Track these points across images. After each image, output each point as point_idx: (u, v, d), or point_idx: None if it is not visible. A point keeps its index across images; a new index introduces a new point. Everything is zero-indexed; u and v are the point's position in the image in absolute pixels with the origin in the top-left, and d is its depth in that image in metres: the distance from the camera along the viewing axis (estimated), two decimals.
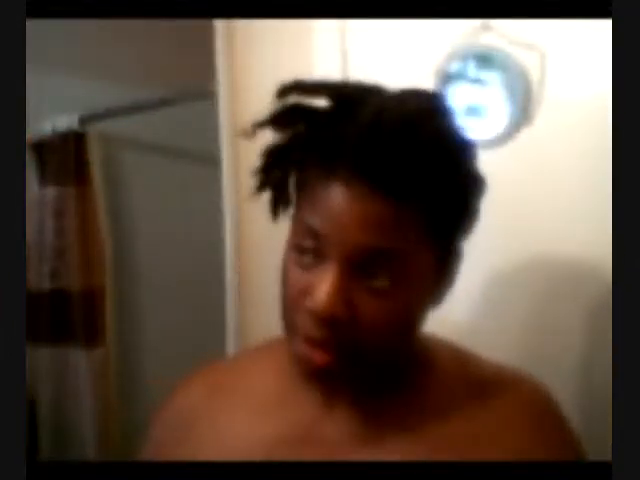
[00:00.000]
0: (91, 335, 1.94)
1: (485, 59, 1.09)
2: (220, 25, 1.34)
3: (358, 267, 0.64)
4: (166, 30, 1.88)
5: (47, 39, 1.78)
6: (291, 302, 0.67)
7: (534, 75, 1.06)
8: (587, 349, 0.94)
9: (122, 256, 1.97)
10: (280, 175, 0.69)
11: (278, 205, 0.70)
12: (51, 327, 1.92)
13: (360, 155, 0.62)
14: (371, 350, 0.66)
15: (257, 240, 1.33)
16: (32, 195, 1.90)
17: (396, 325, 0.66)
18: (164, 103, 1.88)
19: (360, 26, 1.17)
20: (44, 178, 1.94)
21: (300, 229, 0.67)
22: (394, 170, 0.61)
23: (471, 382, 0.73)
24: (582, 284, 0.96)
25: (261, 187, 0.69)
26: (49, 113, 1.93)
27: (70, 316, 1.93)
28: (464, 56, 1.11)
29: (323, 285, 0.63)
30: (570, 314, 0.95)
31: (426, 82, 1.10)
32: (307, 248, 0.66)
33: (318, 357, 0.65)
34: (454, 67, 1.13)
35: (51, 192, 1.93)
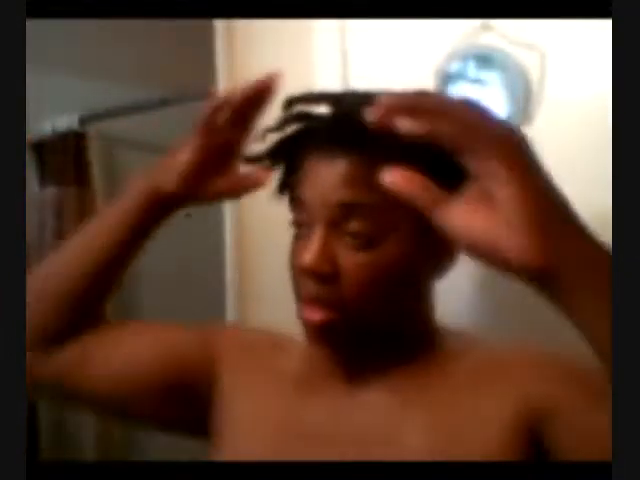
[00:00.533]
0: None
1: (485, 59, 1.09)
2: (220, 25, 1.34)
3: (339, 226, 0.69)
4: (166, 30, 1.88)
5: (47, 39, 1.78)
6: (294, 271, 0.73)
7: (534, 75, 1.06)
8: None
9: None
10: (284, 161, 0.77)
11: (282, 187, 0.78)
12: None
13: (329, 127, 0.71)
14: (365, 307, 0.70)
15: (257, 239, 1.33)
16: (32, 195, 1.90)
17: (383, 281, 0.70)
18: (164, 103, 1.88)
19: (360, 26, 1.17)
20: (44, 178, 1.94)
21: (294, 206, 0.74)
22: (352, 130, 0.67)
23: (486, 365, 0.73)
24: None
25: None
26: (49, 113, 1.93)
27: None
28: (464, 56, 1.11)
29: (310, 245, 0.69)
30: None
31: (426, 82, 1.10)
32: (301, 221, 0.72)
33: (316, 315, 0.70)
34: (454, 67, 1.13)
35: (51, 192, 1.93)
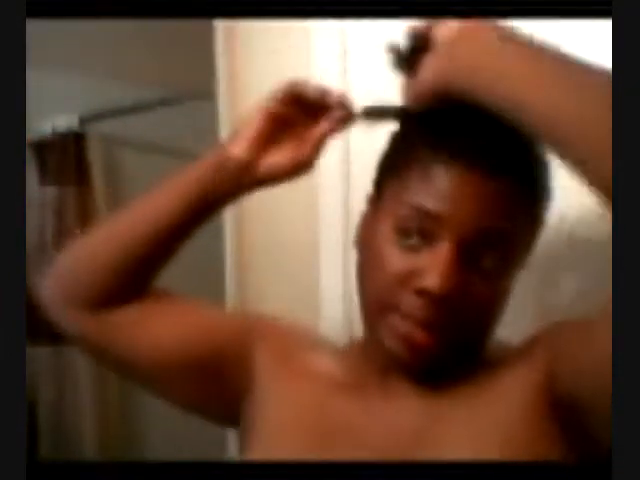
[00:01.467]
0: None
1: None
2: (220, 25, 1.34)
3: (470, 248, 0.65)
4: (166, 30, 1.88)
5: (47, 39, 1.78)
6: (390, 283, 0.67)
7: None
8: None
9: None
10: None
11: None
12: (51, 327, 1.91)
13: (473, 140, 0.66)
14: (470, 331, 0.68)
15: (258, 239, 1.33)
16: (32, 195, 1.90)
17: (496, 305, 0.68)
18: (164, 103, 1.89)
19: (360, 26, 1.17)
20: (44, 178, 1.94)
21: (405, 211, 0.67)
22: (504, 151, 0.66)
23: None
24: (581, 283, 0.96)
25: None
26: (49, 113, 1.94)
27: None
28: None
29: (437, 266, 0.64)
30: (567, 311, 0.95)
31: None
32: (412, 229, 0.67)
33: (422, 337, 0.66)
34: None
35: (51, 192, 1.93)
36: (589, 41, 0.97)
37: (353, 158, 1.13)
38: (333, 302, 1.18)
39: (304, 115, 0.75)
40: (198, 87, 1.67)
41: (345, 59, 1.20)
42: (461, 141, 0.66)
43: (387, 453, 0.69)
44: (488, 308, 0.68)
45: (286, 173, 0.76)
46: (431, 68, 0.67)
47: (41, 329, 1.95)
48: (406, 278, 0.66)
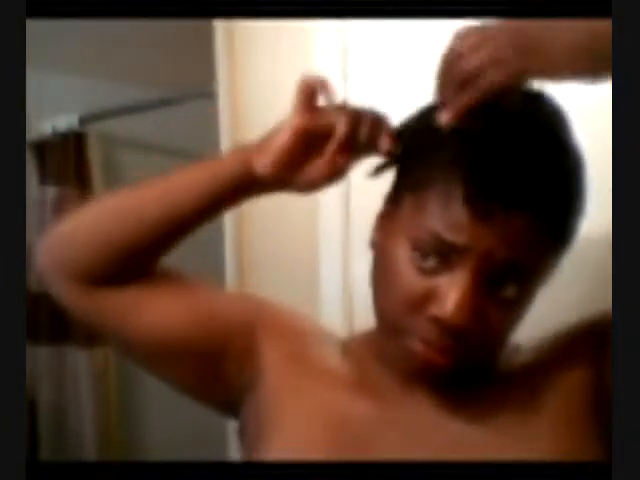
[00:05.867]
0: (91, 335, 1.94)
1: None
2: (220, 25, 1.34)
3: (488, 279, 0.64)
4: (166, 30, 1.88)
5: (47, 39, 1.78)
6: (407, 304, 0.66)
7: None
8: None
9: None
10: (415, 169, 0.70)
11: (384, 170, 0.72)
12: (51, 327, 1.91)
13: (498, 174, 0.63)
14: (486, 355, 0.68)
15: (257, 240, 1.33)
16: (32, 195, 1.90)
17: (511, 329, 0.68)
18: (164, 103, 1.88)
19: (360, 26, 1.17)
20: (44, 178, 1.94)
21: (423, 234, 0.66)
22: (534, 193, 0.63)
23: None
24: (580, 285, 0.96)
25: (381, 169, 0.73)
26: (49, 113, 1.93)
27: (70, 316, 1.93)
28: None
29: (454, 294, 0.63)
30: (568, 311, 0.95)
31: (426, 82, 1.10)
32: (430, 251, 0.65)
33: (437, 359, 0.66)
34: None
35: (51, 192, 1.93)
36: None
37: None
38: (333, 301, 1.18)
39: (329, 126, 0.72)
40: (198, 87, 1.67)
41: (345, 59, 1.20)
42: (485, 173, 0.64)
43: (403, 453, 0.69)
44: (504, 333, 0.68)
45: (318, 186, 0.74)
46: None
47: (41, 329, 1.96)
48: (422, 302, 0.65)
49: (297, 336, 0.81)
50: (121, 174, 2.05)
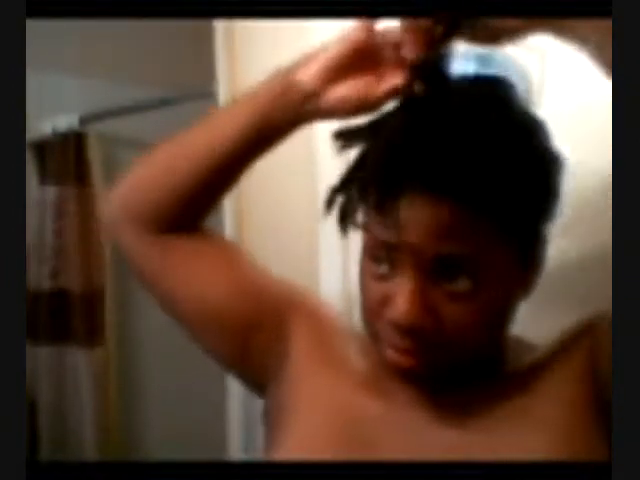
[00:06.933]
0: (91, 335, 1.95)
1: (485, 59, 1.09)
2: (220, 25, 1.34)
3: (436, 273, 0.63)
4: (166, 30, 1.88)
5: (47, 39, 1.78)
6: (371, 312, 0.68)
7: (534, 75, 1.06)
8: None
9: (122, 256, 1.97)
10: (346, 199, 0.68)
11: (346, 224, 0.69)
12: (51, 327, 1.92)
13: (425, 165, 0.62)
14: (459, 350, 0.66)
15: (257, 240, 1.33)
16: (32, 195, 1.90)
17: (483, 324, 0.66)
18: (164, 103, 1.89)
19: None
20: (44, 178, 1.94)
21: (371, 241, 0.67)
22: (460, 177, 0.61)
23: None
24: (580, 285, 0.96)
25: (329, 206, 0.70)
26: (49, 113, 1.94)
27: (70, 316, 1.93)
28: (464, 56, 1.11)
29: (401, 296, 0.63)
30: (568, 310, 0.95)
31: None
32: (382, 258, 0.66)
33: (405, 361, 0.66)
34: (454, 67, 1.12)
35: (51, 192, 1.93)
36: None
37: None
38: (333, 301, 1.18)
39: (384, 58, 0.70)
40: (198, 87, 1.67)
41: None
42: (410, 167, 0.62)
43: (417, 455, 0.68)
44: (472, 328, 0.65)
45: (350, 110, 0.71)
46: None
47: (41, 329, 1.96)
48: (381, 308, 0.66)
49: (325, 330, 0.80)
50: (121, 174, 2.05)
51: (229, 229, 1.35)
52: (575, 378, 0.69)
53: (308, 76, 0.71)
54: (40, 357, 1.90)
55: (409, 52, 0.68)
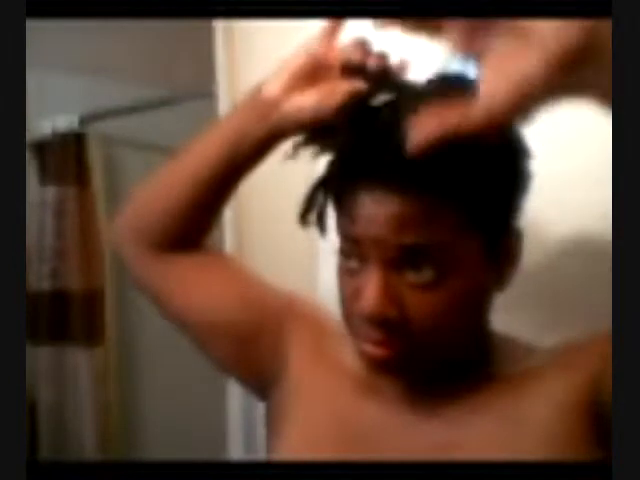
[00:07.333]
0: (91, 335, 1.95)
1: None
2: (220, 25, 1.34)
3: (400, 264, 0.64)
4: (166, 30, 1.88)
5: (47, 39, 1.78)
6: (345, 308, 0.69)
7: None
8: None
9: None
10: (320, 203, 0.70)
11: (322, 226, 0.71)
12: (51, 327, 1.92)
13: (382, 157, 0.63)
14: (433, 342, 0.66)
15: (257, 240, 1.33)
16: (32, 195, 1.90)
17: (451, 315, 0.66)
18: (164, 103, 1.89)
19: (360, 26, 1.17)
20: (44, 178, 1.94)
21: (342, 237, 0.68)
22: (417, 167, 0.60)
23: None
24: (581, 285, 0.96)
25: (305, 214, 0.71)
26: (49, 113, 1.94)
27: (70, 316, 1.93)
28: (464, 56, 1.11)
29: (368, 288, 0.65)
30: (569, 311, 0.96)
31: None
32: (351, 254, 0.67)
33: (379, 352, 0.66)
34: (454, 67, 1.12)
35: (51, 192, 1.93)
36: None
37: None
38: (332, 301, 1.18)
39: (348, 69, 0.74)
40: (198, 87, 1.67)
41: None
42: (365, 162, 0.64)
43: (413, 455, 0.69)
44: (440, 318, 0.66)
45: (307, 115, 0.74)
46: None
47: (41, 329, 1.96)
48: (352, 302, 0.67)
49: (322, 334, 0.82)
50: (121, 174, 2.05)
51: (229, 234, 1.35)
52: (573, 383, 0.68)
53: (272, 87, 0.75)
54: (40, 357, 1.90)
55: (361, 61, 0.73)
